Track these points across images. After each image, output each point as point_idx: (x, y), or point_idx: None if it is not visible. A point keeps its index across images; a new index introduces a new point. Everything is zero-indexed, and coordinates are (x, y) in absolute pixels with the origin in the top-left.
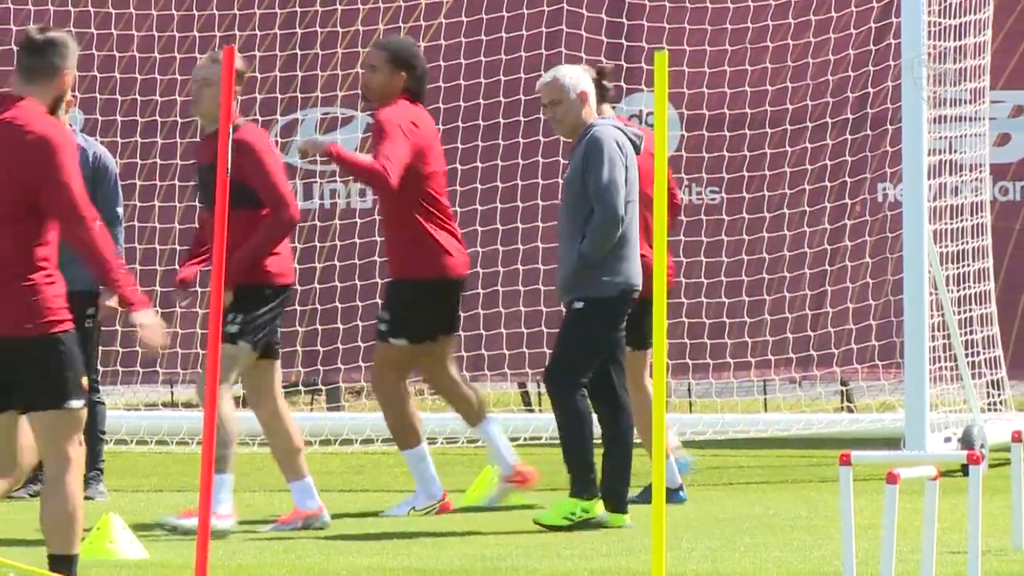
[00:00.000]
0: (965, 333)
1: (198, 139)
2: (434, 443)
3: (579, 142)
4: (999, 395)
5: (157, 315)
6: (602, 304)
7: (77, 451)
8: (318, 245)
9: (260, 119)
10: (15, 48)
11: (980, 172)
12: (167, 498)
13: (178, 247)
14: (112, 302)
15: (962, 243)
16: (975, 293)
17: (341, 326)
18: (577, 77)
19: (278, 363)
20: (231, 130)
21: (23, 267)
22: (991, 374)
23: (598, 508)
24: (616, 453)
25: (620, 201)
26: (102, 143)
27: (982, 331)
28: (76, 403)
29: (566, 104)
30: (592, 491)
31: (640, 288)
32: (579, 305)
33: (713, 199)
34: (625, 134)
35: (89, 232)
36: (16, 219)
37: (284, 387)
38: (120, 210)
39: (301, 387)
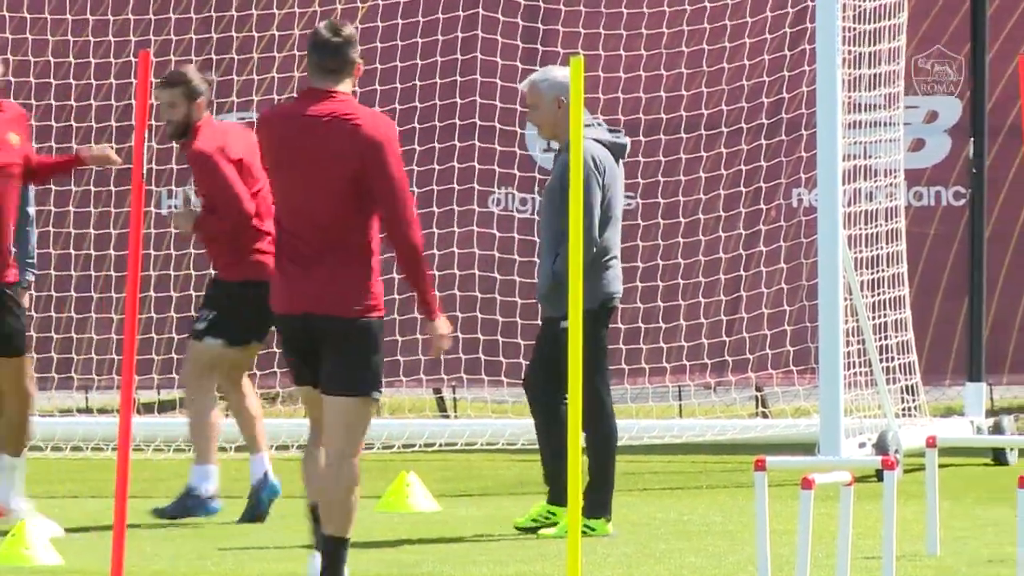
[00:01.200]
0: (880, 338)
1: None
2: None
3: (559, 153)
4: (913, 400)
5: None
6: (585, 316)
7: (362, 437)
8: None
9: None
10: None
11: (895, 177)
12: (83, 504)
13: (93, 252)
14: None
15: (877, 248)
16: (890, 298)
17: None
18: (556, 82)
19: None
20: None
21: (368, 253)
22: (905, 379)
23: (605, 528)
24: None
25: (594, 223)
26: None
27: (896, 336)
28: (377, 394)
29: (542, 109)
30: (600, 511)
31: (620, 295)
32: (564, 324)
33: (628, 204)
34: (606, 144)
35: (411, 228)
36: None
37: None
38: (32, 210)
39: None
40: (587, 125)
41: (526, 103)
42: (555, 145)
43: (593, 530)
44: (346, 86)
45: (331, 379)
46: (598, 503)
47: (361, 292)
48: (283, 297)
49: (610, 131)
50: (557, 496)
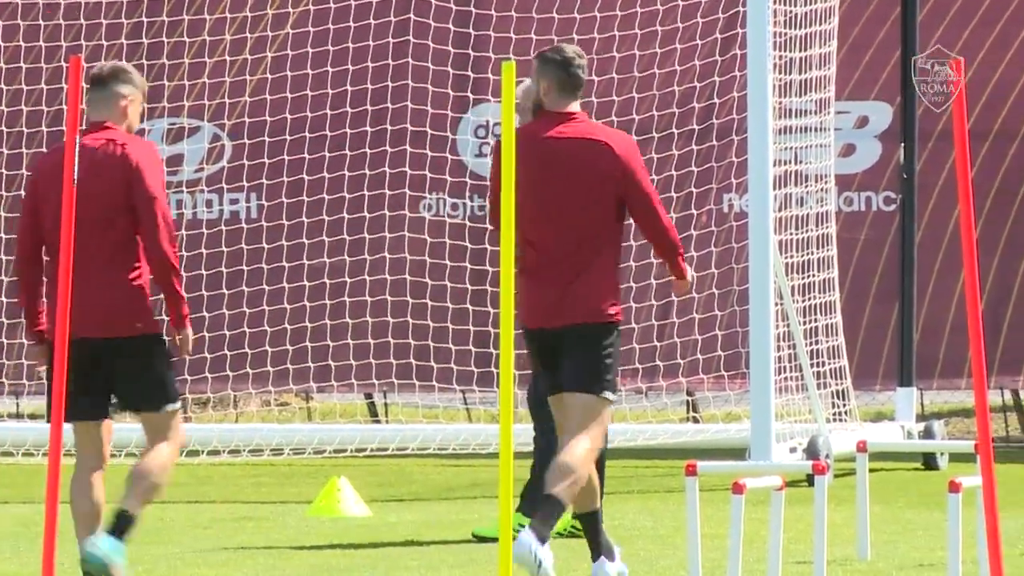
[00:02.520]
0: (810, 343)
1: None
2: (280, 454)
3: None
4: (844, 405)
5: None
6: None
7: (601, 434)
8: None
9: None
10: None
11: (825, 183)
12: (12, 510)
13: (3, 257)
14: None
15: (807, 254)
16: (820, 303)
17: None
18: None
19: None
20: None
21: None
22: (836, 384)
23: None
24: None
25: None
26: None
27: (827, 341)
28: (611, 396)
29: (520, 112)
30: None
31: None
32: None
33: None
34: None
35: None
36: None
37: None
38: None
39: None
40: None
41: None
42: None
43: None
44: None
45: (569, 378)
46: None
47: (609, 300)
48: (540, 313)
49: None
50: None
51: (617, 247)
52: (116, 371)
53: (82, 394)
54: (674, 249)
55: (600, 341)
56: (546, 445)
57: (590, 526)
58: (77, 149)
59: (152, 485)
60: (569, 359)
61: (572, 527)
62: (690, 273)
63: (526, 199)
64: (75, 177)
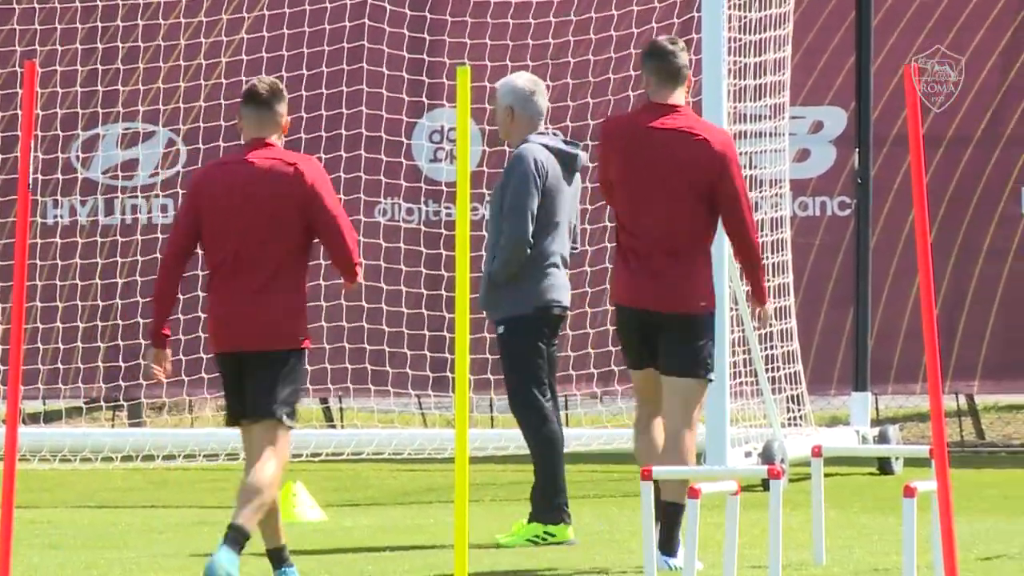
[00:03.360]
0: (765, 348)
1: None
2: (235, 458)
3: (508, 155)
4: (799, 410)
5: None
6: (520, 322)
7: (697, 413)
8: (120, 260)
9: (61, 134)
10: None
11: (780, 187)
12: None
13: None
14: None
15: (762, 258)
16: (775, 308)
17: (143, 342)
18: (509, 90)
19: None
20: None
21: (709, 255)
22: (791, 389)
23: (566, 533)
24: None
25: (526, 223)
26: None
27: (782, 346)
28: (711, 376)
29: (497, 113)
30: (557, 516)
31: (564, 304)
32: (501, 329)
33: None
34: (553, 150)
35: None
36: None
37: (86, 402)
38: None
39: (103, 403)
40: (540, 133)
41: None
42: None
43: (553, 535)
44: (681, 96)
45: (671, 363)
46: (553, 508)
47: (704, 289)
48: (632, 293)
49: (564, 141)
50: (544, 512)
51: (710, 238)
52: (254, 382)
53: (240, 400)
54: (752, 251)
55: (700, 329)
56: (542, 440)
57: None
58: (240, 165)
59: (265, 500)
60: (670, 344)
61: (545, 533)
62: (769, 304)
63: (623, 186)
64: (29, 181)
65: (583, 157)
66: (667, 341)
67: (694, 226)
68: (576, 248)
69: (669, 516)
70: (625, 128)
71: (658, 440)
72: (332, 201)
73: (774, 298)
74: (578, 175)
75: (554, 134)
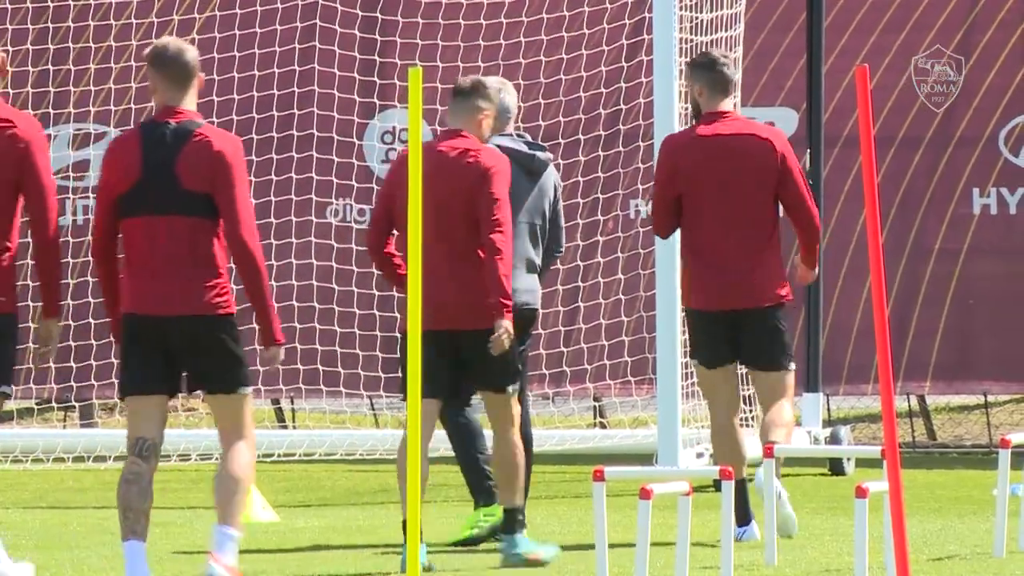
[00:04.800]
0: None
1: None
2: (187, 459)
3: None
4: (750, 410)
5: None
6: None
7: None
8: (71, 261)
9: None
10: None
11: None
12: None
13: None
14: None
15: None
16: None
17: (95, 342)
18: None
19: None
20: None
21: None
22: (743, 390)
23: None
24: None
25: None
26: None
27: None
28: (793, 365)
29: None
30: (491, 497)
31: (532, 305)
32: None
33: None
34: (511, 153)
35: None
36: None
37: (37, 403)
38: None
39: (54, 403)
40: (504, 135)
41: None
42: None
43: (491, 515)
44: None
45: (759, 357)
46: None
47: (778, 284)
48: (715, 296)
49: (526, 143)
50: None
51: (778, 233)
52: (465, 360)
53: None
54: (818, 233)
55: (779, 321)
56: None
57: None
58: (429, 152)
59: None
60: (753, 338)
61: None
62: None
63: (689, 194)
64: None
65: (542, 158)
66: (752, 335)
67: (765, 223)
68: (561, 251)
69: (739, 493)
70: (684, 141)
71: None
72: (500, 191)
73: None
74: (548, 176)
75: (518, 135)
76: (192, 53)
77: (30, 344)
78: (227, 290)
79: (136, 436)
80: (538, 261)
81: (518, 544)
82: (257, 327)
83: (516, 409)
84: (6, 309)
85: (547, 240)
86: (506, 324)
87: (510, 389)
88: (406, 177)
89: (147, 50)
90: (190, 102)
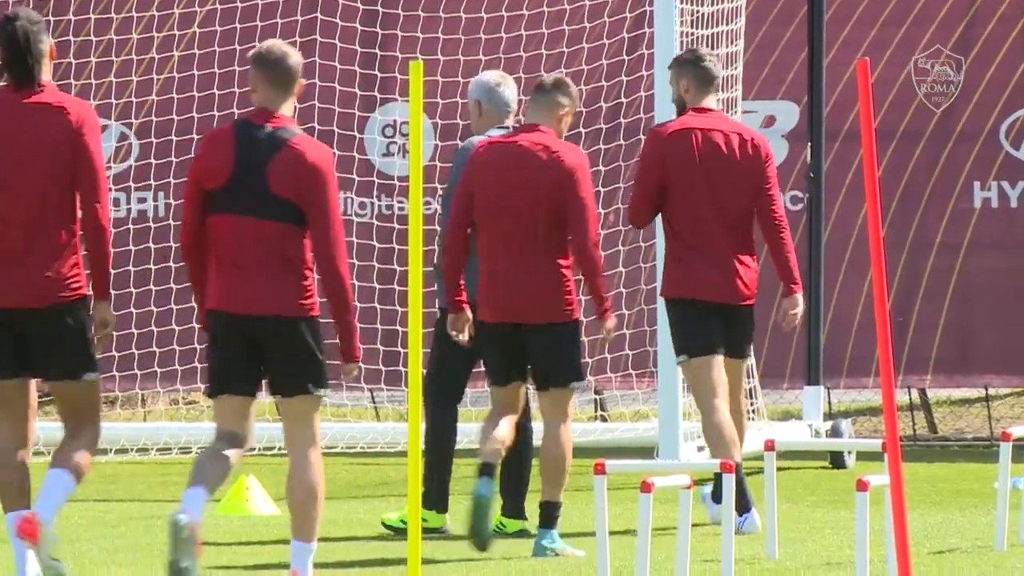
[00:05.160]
0: None
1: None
2: (188, 452)
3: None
4: (752, 404)
5: None
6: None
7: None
8: None
9: None
10: None
11: None
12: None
13: None
14: None
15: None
16: None
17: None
18: (477, 85)
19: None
20: None
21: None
22: (744, 383)
23: (438, 519)
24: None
25: (446, 216)
26: None
27: None
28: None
29: (470, 110)
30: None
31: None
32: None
33: None
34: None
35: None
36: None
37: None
38: None
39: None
40: (501, 127)
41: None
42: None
43: (504, 527)
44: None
45: (736, 347)
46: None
47: (754, 280)
48: (702, 286)
49: None
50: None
51: (752, 231)
52: (530, 351)
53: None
54: (787, 238)
55: (747, 317)
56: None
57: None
58: (507, 146)
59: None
60: (739, 331)
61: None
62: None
63: (683, 186)
64: None
65: None
66: (737, 328)
67: (749, 215)
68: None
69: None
70: (676, 132)
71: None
72: (586, 191)
73: None
74: None
75: (514, 128)
76: (296, 58)
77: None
78: (312, 293)
79: (222, 432)
80: None
81: (554, 539)
82: (339, 341)
83: (572, 406)
84: (78, 293)
85: None
86: (609, 324)
87: (573, 385)
88: (485, 174)
89: (251, 51)
90: (287, 107)
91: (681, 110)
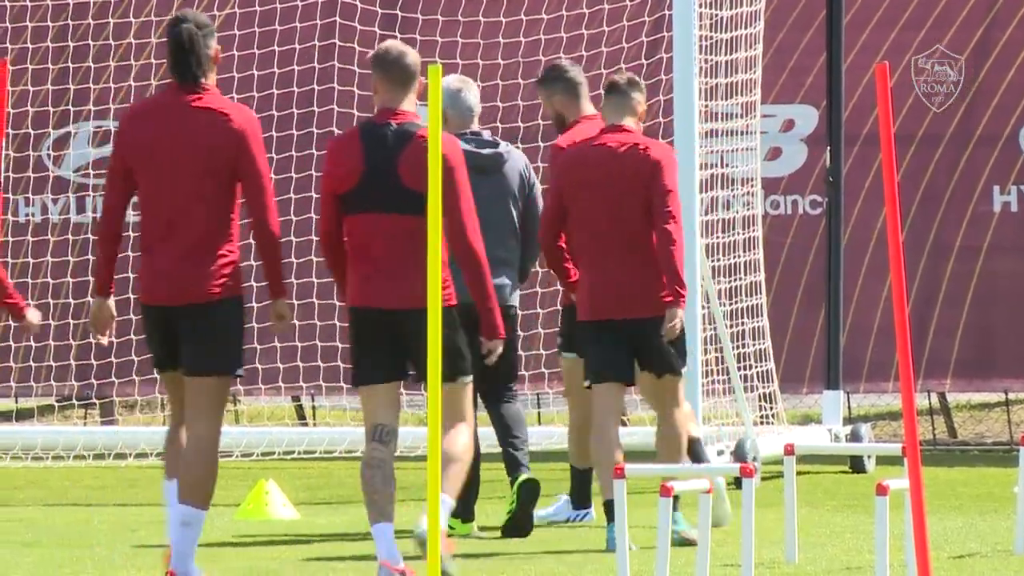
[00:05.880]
0: (737, 346)
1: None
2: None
3: None
4: (771, 408)
5: None
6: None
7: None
8: (91, 258)
9: (32, 132)
10: None
11: (751, 186)
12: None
13: None
14: None
15: (734, 257)
16: (747, 307)
17: (115, 340)
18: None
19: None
20: None
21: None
22: (763, 387)
23: (464, 528)
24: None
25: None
26: None
27: (754, 344)
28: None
29: (448, 119)
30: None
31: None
32: None
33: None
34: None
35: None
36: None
37: (58, 400)
38: None
39: (75, 401)
40: (462, 133)
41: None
42: None
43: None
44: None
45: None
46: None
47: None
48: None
49: (477, 142)
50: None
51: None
52: (639, 346)
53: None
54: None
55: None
56: None
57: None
58: (595, 147)
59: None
60: (655, 342)
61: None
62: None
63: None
64: (0, 179)
65: (494, 156)
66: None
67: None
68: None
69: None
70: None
71: None
72: (671, 180)
73: (746, 296)
74: (511, 168)
75: (474, 134)
76: (413, 57)
77: (50, 341)
78: (449, 283)
79: (374, 423)
80: (511, 256)
81: (677, 521)
82: (481, 320)
83: (684, 391)
84: (233, 293)
85: (525, 229)
86: (680, 313)
87: (683, 371)
88: (581, 174)
89: (370, 54)
90: (409, 103)
91: (560, 124)
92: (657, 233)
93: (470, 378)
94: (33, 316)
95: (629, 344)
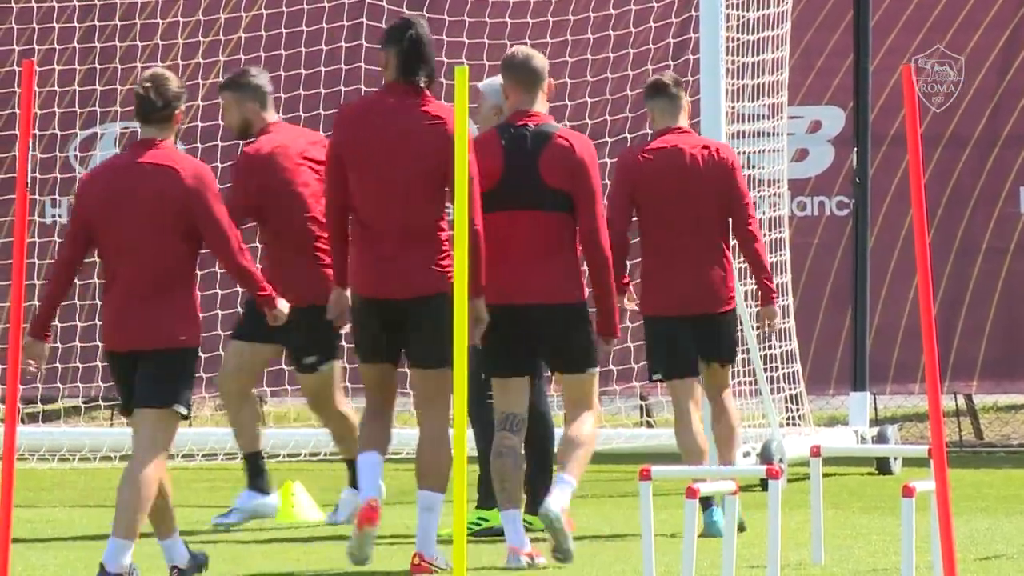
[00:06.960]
0: (764, 348)
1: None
2: (234, 458)
3: None
4: (797, 410)
5: None
6: None
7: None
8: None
9: (59, 133)
10: None
11: (778, 187)
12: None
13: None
14: None
15: None
16: None
17: None
18: (495, 90)
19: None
20: None
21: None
22: (790, 389)
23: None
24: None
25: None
26: None
27: (781, 346)
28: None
29: (482, 112)
30: (488, 501)
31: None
32: None
33: None
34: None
35: None
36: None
37: (85, 402)
38: None
39: (101, 402)
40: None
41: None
42: None
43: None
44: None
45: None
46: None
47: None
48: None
49: None
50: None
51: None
52: (706, 337)
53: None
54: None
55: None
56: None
57: None
58: (666, 150)
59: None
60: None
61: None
62: None
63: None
64: (27, 180)
65: None
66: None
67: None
68: None
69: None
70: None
71: None
72: (742, 182)
73: None
74: None
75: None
76: (539, 60)
77: (76, 343)
78: (581, 279)
79: (505, 412)
80: None
81: (717, 519)
82: (599, 318)
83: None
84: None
85: None
86: (774, 307)
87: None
88: (647, 178)
89: (502, 58)
90: (540, 104)
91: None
92: (742, 234)
93: (597, 369)
94: (283, 305)
95: (695, 339)
